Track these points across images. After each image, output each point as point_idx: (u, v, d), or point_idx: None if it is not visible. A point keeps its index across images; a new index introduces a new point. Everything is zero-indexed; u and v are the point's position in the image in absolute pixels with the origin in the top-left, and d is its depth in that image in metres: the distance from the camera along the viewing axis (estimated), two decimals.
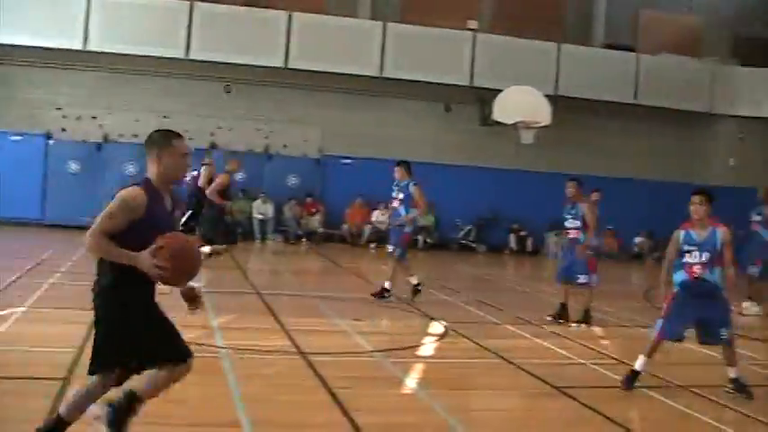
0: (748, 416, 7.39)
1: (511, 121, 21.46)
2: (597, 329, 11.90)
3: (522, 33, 23.81)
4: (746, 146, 25.65)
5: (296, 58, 22.30)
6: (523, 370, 8.66)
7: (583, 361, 9.45)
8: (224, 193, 15.10)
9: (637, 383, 8.12)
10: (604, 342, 11.10)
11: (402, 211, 13.25)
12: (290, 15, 22.33)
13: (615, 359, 9.70)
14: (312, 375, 7.75)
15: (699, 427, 7.10)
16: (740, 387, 8.00)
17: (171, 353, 5.07)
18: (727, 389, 8.05)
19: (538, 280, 14.73)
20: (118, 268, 4.84)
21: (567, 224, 12.24)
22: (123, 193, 4.88)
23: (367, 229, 23.32)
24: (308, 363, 8.22)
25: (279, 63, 22.24)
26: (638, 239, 25.27)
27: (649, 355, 8.17)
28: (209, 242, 14.71)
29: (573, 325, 11.89)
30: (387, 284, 13.16)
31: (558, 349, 10.03)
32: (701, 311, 7.99)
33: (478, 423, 6.97)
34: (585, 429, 6.97)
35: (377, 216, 22.94)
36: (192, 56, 21.82)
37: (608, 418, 7.03)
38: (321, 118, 23.43)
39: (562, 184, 12.40)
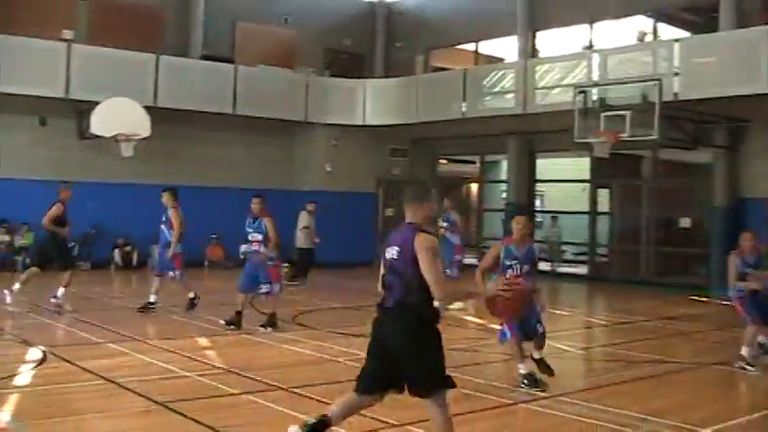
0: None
1: (110, 134, 20.93)
2: (203, 340, 12.05)
3: (120, 44, 23.29)
4: (340, 152, 27.04)
5: None
6: (127, 388, 8.57)
7: (187, 374, 9.51)
8: (60, 220, 14.81)
9: (238, 390, 8.40)
10: (208, 353, 11.24)
11: (167, 233, 14.32)
12: None
13: (221, 368, 9.89)
14: None
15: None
16: (545, 366, 9.51)
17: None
18: (539, 370, 9.45)
19: (143, 295, 14.55)
20: (431, 303, 5.65)
21: (249, 237, 13.66)
22: (432, 243, 5.63)
23: None
24: None
25: None
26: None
27: (523, 358, 9.36)
28: (69, 267, 14.99)
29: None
30: (152, 298, 14.22)
31: (161, 364, 10.02)
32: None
33: None
34: None
35: None
36: None
37: (211, 427, 7.16)
38: None
39: None
